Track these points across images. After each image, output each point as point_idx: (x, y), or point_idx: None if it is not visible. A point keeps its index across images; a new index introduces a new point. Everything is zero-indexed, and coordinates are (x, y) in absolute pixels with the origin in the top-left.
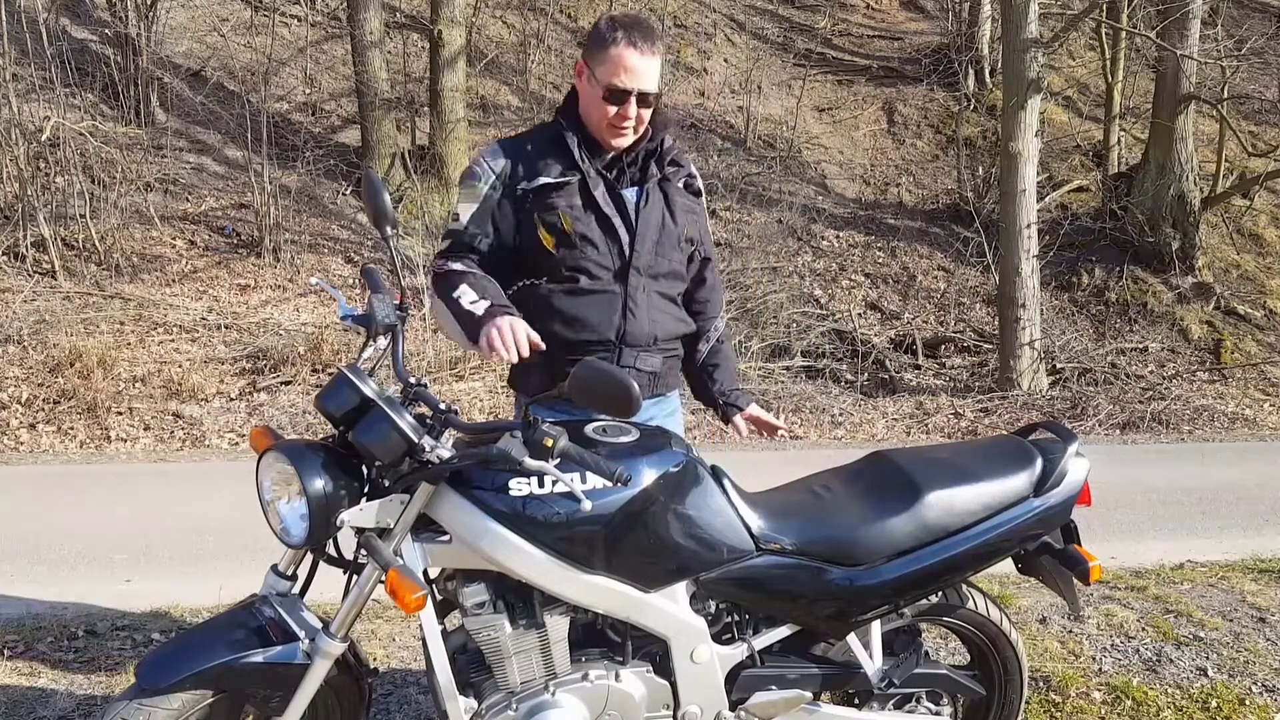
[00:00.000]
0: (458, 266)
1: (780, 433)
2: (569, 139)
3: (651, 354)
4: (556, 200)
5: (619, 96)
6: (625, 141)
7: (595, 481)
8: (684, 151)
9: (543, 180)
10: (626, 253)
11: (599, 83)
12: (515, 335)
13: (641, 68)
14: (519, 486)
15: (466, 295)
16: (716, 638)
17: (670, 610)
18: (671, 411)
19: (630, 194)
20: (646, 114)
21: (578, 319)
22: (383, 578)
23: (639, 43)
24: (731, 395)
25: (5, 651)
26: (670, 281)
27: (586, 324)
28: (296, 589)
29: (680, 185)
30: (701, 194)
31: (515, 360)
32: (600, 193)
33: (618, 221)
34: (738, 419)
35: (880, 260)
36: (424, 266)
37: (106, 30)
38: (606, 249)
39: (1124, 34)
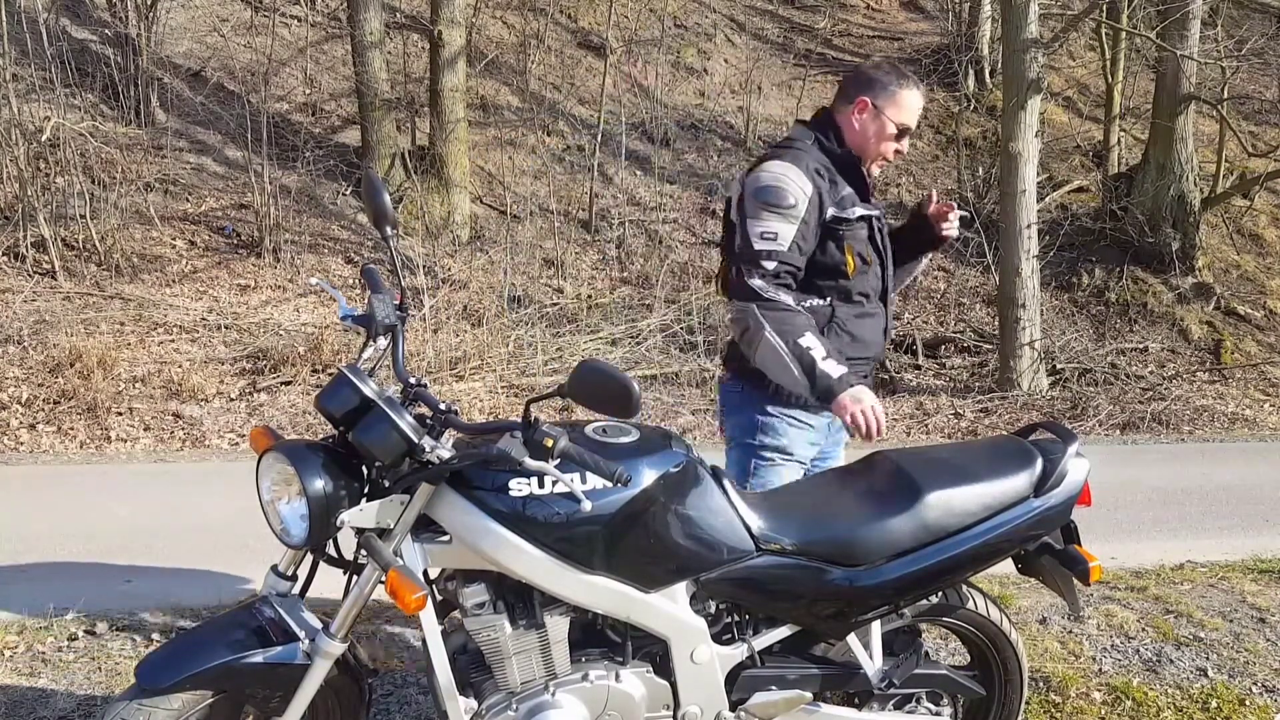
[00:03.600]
0: (788, 300)
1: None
2: (851, 170)
3: None
4: (858, 229)
5: (904, 133)
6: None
7: (595, 482)
8: None
9: (857, 211)
10: (886, 278)
11: (890, 120)
12: (878, 417)
13: (917, 107)
14: (519, 487)
15: (816, 349)
16: (716, 638)
17: (670, 610)
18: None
19: (881, 228)
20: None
21: (861, 339)
22: (383, 578)
23: (915, 84)
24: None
25: (5, 651)
26: None
27: (868, 344)
28: (296, 589)
29: None
30: None
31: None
32: (878, 224)
33: (880, 247)
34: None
35: None
36: (424, 267)
37: (106, 30)
38: (877, 274)
39: (1124, 34)
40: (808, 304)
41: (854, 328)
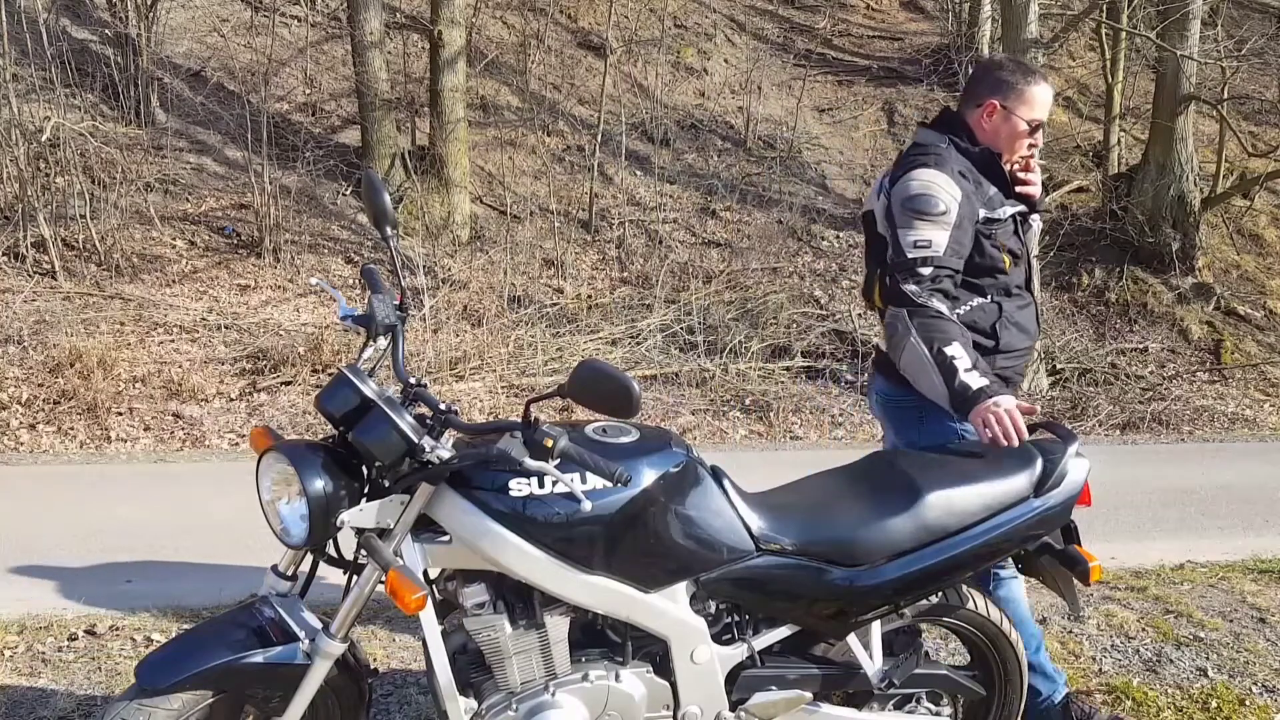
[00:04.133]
0: (941, 307)
1: None
2: (994, 169)
3: None
4: (1007, 226)
5: (1034, 129)
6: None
7: (595, 482)
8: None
9: (1006, 210)
10: (1030, 267)
11: (1020, 119)
12: (1015, 423)
13: (1047, 101)
14: (519, 487)
15: (962, 361)
16: (716, 638)
17: (670, 610)
18: None
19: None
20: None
21: (1026, 329)
22: (383, 578)
23: (1043, 79)
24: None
25: (5, 651)
26: None
27: (1031, 334)
28: (296, 589)
29: None
30: None
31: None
32: (1021, 220)
33: (1023, 239)
34: None
35: None
36: (424, 267)
37: (106, 30)
38: (1024, 266)
39: (1124, 34)
40: (973, 304)
41: (1020, 319)
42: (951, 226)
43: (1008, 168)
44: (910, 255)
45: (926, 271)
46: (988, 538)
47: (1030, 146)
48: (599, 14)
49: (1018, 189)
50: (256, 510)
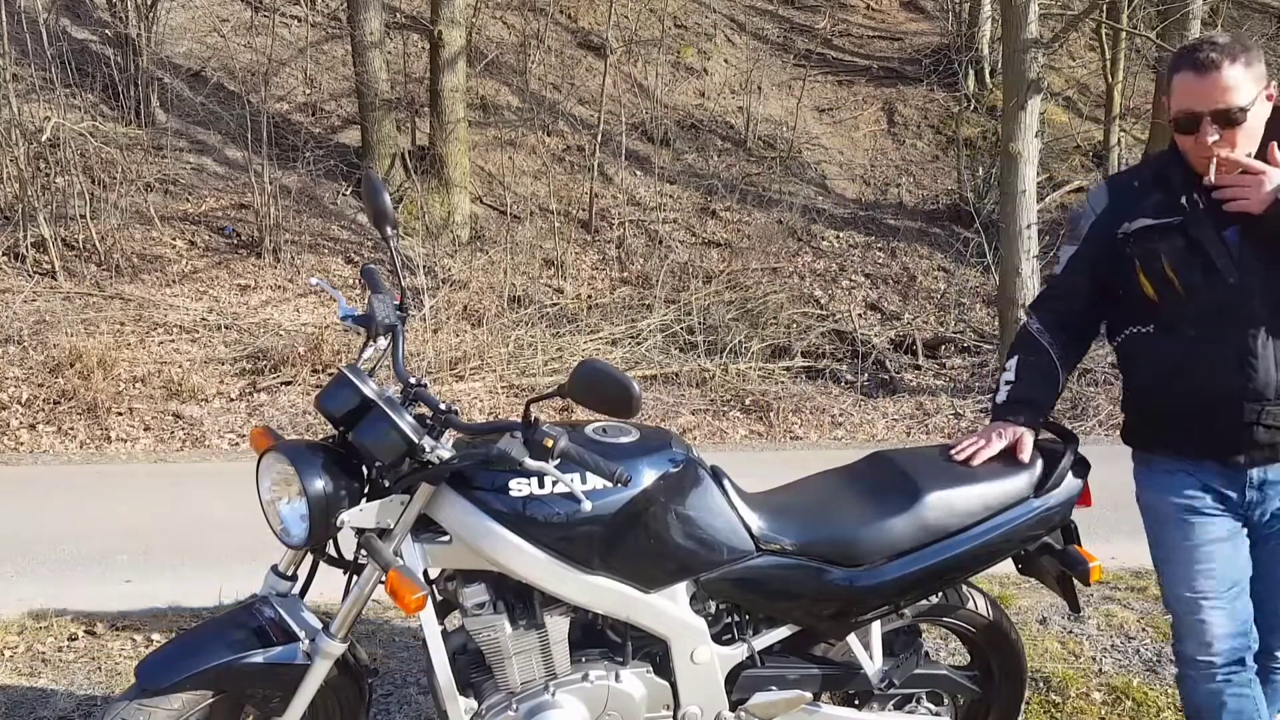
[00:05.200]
0: (1035, 326)
1: None
2: (1173, 173)
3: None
4: (1159, 244)
5: (1187, 124)
6: (1219, 180)
7: (595, 482)
8: None
9: (1143, 222)
10: (1235, 298)
11: (1170, 116)
12: (976, 450)
13: (1202, 88)
14: (519, 487)
15: (1007, 373)
16: (716, 638)
17: (670, 611)
18: None
19: (1232, 234)
20: (1238, 133)
21: (1191, 371)
22: (383, 578)
23: (1197, 62)
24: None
25: (5, 651)
26: None
27: (1201, 378)
28: (296, 589)
29: None
30: None
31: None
32: (1208, 233)
33: (1225, 264)
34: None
35: (880, 261)
36: (424, 267)
37: (106, 30)
38: (1212, 295)
39: (1124, 34)
40: (1131, 330)
41: (1176, 358)
42: (1079, 242)
43: (1206, 175)
44: (1049, 271)
45: (1043, 290)
46: (988, 538)
47: (1202, 148)
48: (599, 14)
49: (1215, 195)
50: (256, 510)
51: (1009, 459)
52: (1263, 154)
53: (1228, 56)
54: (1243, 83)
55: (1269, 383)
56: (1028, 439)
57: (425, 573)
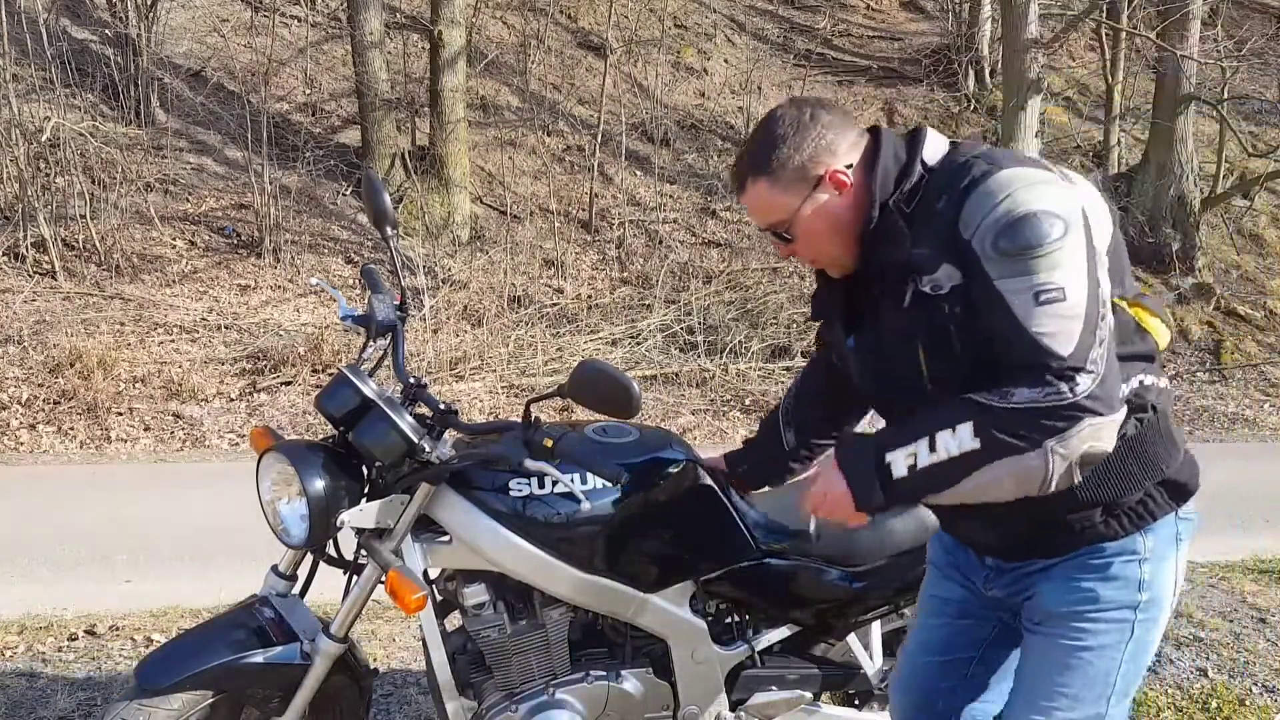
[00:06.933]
0: None
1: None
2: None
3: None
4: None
5: (775, 238)
6: (834, 273)
7: (595, 482)
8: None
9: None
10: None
11: None
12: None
13: (751, 205)
14: (519, 487)
15: None
16: (716, 638)
17: (670, 611)
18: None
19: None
20: (799, 243)
21: None
22: (383, 578)
23: (737, 184)
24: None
25: (5, 651)
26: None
27: None
28: (296, 589)
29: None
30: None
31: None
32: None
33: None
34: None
35: None
36: (424, 267)
37: (106, 30)
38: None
39: (1124, 34)
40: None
41: None
42: None
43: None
44: None
45: None
46: None
47: (789, 256)
48: (599, 14)
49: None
50: (256, 510)
51: None
52: (868, 233)
53: (751, 172)
54: (770, 200)
55: None
56: None
57: (425, 573)
